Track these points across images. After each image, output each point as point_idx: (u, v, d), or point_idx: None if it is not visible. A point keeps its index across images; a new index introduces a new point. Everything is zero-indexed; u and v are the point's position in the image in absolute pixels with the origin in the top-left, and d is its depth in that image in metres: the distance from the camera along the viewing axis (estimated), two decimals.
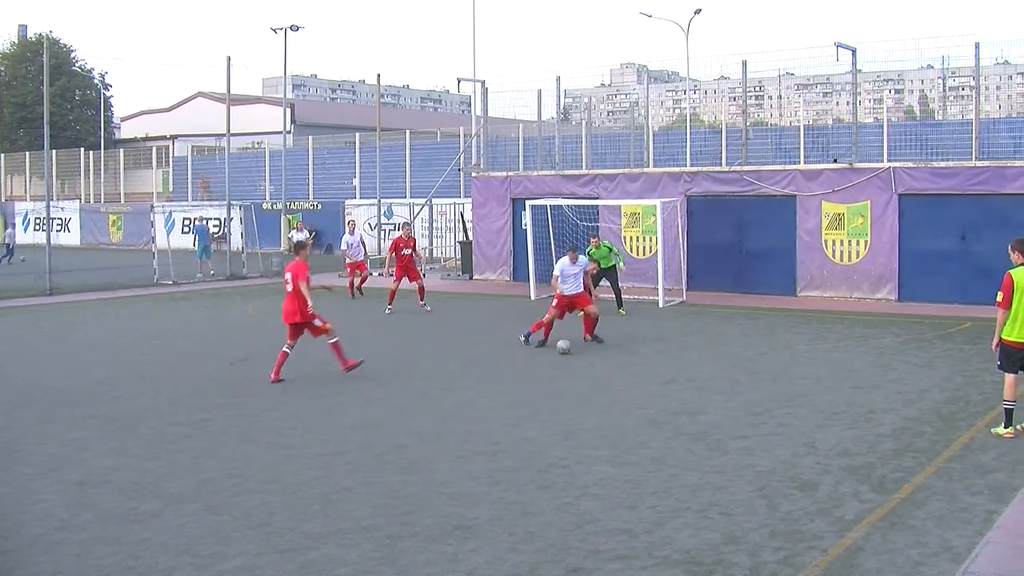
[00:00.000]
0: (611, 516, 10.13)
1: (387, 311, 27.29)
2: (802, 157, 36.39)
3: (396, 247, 28.21)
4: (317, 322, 18.22)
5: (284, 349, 18.08)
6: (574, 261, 21.56)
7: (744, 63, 31.86)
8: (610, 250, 27.39)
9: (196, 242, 41.18)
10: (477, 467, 11.99)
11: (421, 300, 27.75)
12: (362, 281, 31.64)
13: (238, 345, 22.05)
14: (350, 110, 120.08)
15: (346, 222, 35.89)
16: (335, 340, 18.31)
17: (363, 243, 32.23)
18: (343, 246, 32.27)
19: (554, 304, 21.52)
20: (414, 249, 28.59)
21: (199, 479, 11.61)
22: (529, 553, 9.15)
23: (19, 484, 11.57)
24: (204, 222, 43.62)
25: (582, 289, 21.69)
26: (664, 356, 20.29)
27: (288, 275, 18.51)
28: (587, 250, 27.54)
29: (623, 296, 27.18)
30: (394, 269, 28.08)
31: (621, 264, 27.44)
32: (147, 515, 10.36)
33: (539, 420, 14.58)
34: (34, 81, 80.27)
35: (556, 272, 21.65)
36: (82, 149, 71.90)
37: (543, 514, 10.21)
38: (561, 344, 20.28)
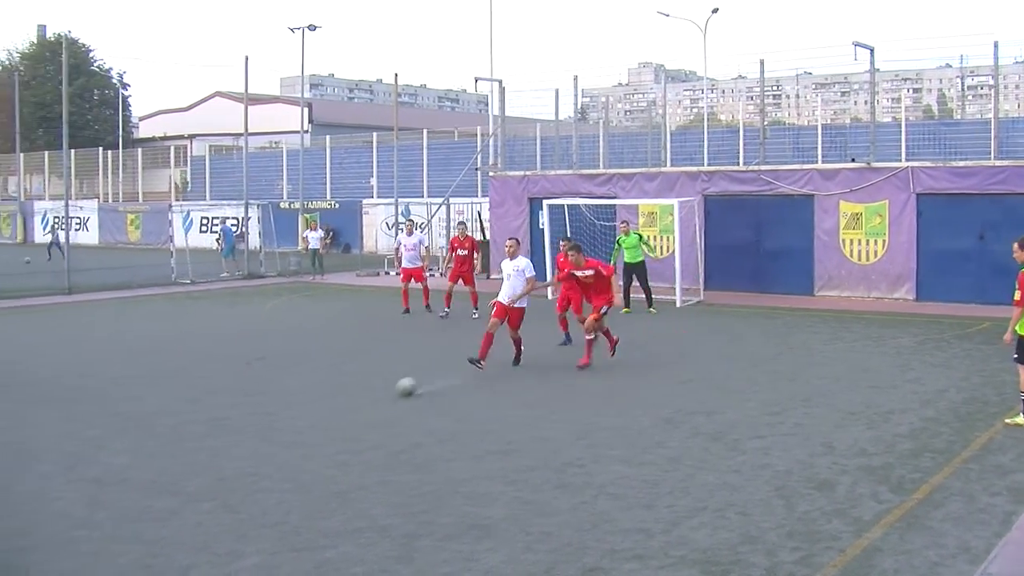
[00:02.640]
0: (628, 516, 10.11)
1: (442, 314, 25.85)
2: (820, 156, 36.28)
3: (451, 248, 27.14)
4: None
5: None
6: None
7: (762, 62, 31.81)
8: (640, 239, 27.25)
9: (223, 242, 41.35)
10: (493, 466, 11.98)
11: (474, 306, 25.93)
12: (425, 295, 27.58)
13: (255, 344, 22.07)
14: (367, 110, 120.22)
15: (404, 222, 32.75)
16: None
17: (424, 247, 28.61)
18: (396, 246, 29.58)
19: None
20: (473, 250, 26.83)
21: (216, 477, 11.62)
22: (545, 552, 9.14)
23: (36, 482, 11.59)
24: (228, 223, 43.71)
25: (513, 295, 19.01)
26: (681, 356, 20.25)
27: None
28: (617, 238, 27.50)
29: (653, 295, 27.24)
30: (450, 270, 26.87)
31: (651, 252, 27.43)
32: (164, 513, 10.37)
33: (555, 420, 14.56)
34: (53, 81, 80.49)
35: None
36: (100, 148, 72.07)
37: (559, 513, 10.20)
38: (404, 383, 16.24)
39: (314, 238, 39.51)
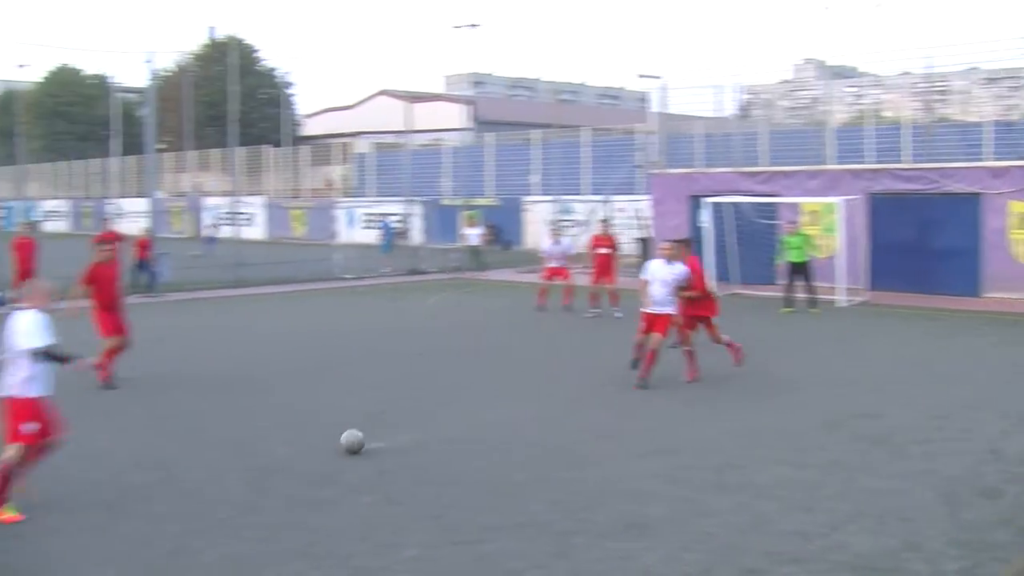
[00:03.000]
0: (787, 518, 10.04)
1: (589, 314, 25.57)
2: (988, 154, 35.35)
3: (592, 246, 27.04)
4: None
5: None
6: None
7: (928, 57, 31.15)
8: (806, 240, 27.00)
9: (384, 237, 42.04)
10: (651, 464, 11.98)
11: (613, 305, 25.31)
12: (568, 295, 26.85)
13: (415, 339, 22.36)
14: (528, 107, 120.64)
15: (550, 229, 31.20)
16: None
17: (571, 253, 28.20)
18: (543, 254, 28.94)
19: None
20: (612, 249, 26.55)
21: (377, 470, 11.84)
22: (703, 552, 9.13)
23: (204, 469, 11.99)
24: (390, 219, 44.48)
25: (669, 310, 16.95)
26: (844, 357, 19.95)
27: None
28: (782, 237, 27.31)
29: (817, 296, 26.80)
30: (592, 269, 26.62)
31: (815, 252, 27.20)
32: (326, 502, 10.63)
33: (713, 419, 14.50)
34: (221, 81, 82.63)
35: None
36: (267, 146, 73.71)
37: (718, 514, 10.17)
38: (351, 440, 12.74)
39: (473, 235, 39.89)
